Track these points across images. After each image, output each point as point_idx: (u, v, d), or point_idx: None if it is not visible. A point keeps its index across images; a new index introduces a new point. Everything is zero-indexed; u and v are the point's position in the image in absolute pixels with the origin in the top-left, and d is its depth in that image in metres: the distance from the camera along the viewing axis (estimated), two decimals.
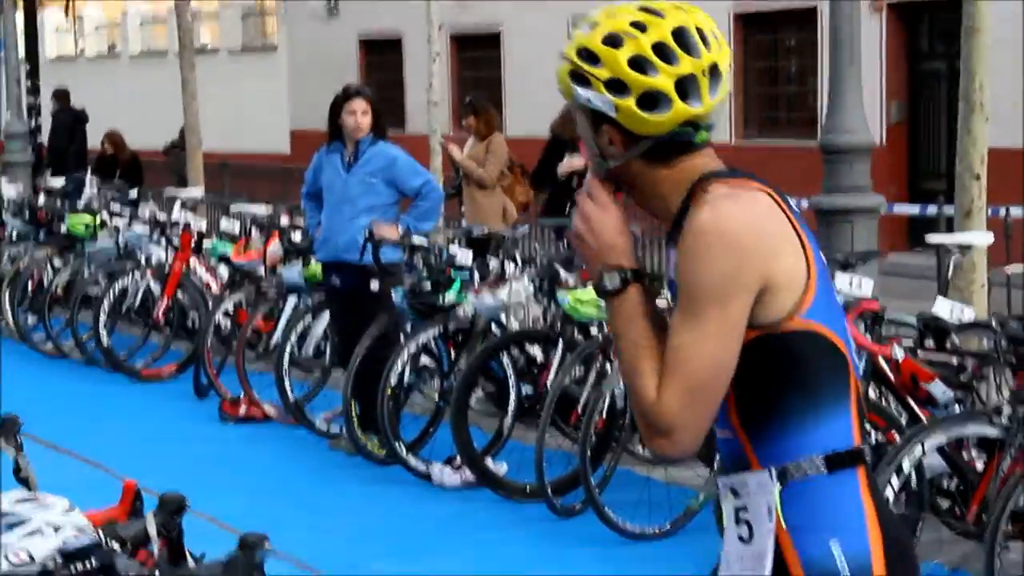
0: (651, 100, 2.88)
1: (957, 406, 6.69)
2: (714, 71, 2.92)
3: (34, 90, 24.20)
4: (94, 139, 21.63)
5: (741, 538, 2.94)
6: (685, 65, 2.88)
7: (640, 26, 2.88)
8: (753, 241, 2.82)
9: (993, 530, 5.87)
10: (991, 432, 6.25)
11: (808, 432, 2.89)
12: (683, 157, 2.95)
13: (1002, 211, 11.54)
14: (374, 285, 9.16)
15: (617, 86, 2.88)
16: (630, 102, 2.88)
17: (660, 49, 2.88)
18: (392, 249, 9.15)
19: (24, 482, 4.11)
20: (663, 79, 2.87)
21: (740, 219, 2.83)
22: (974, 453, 6.59)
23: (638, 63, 2.87)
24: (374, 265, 9.05)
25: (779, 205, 2.90)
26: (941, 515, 6.79)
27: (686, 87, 2.89)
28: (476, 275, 9.10)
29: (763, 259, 2.82)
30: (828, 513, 2.90)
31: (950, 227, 8.78)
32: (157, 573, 3.19)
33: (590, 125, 2.97)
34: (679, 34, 2.88)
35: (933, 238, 8.33)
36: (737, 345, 2.83)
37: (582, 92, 2.92)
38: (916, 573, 3.02)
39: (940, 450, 6.33)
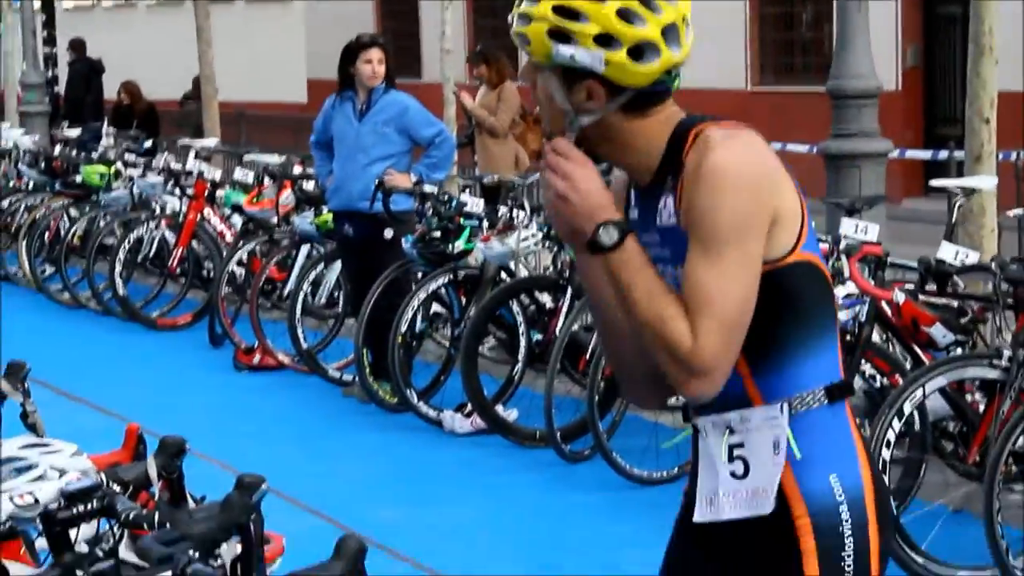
0: (640, 51, 2.90)
1: (959, 349, 6.71)
2: (686, 18, 2.96)
3: (50, 40, 24.28)
4: (110, 89, 21.67)
5: (734, 475, 2.97)
6: (668, 13, 2.91)
7: None
8: (765, 179, 2.88)
9: (992, 471, 5.91)
10: (992, 374, 6.28)
11: (808, 365, 2.94)
12: (659, 106, 2.98)
13: (1014, 155, 11.54)
14: (387, 234, 9.22)
15: (606, 40, 2.89)
16: (621, 55, 2.89)
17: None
18: (404, 198, 9.20)
19: (32, 428, 4.19)
20: (652, 29, 2.89)
21: (752, 159, 2.88)
22: (977, 395, 6.65)
23: (626, 15, 2.89)
24: (385, 214, 9.10)
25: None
26: (944, 457, 6.84)
27: (668, 35, 2.92)
28: (486, 223, 9.15)
29: (772, 195, 2.88)
30: (827, 446, 2.96)
31: (962, 172, 8.78)
32: (156, 514, 3.25)
33: (562, 84, 2.96)
34: None
35: (938, 182, 8.36)
36: (757, 281, 2.87)
37: (564, 50, 2.90)
38: (891, 508, 3.09)
39: (942, 392, 6.39)
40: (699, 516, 3.02)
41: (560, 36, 2.91)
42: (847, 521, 2.94)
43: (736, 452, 2.98)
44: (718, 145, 2.87)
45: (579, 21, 2.89)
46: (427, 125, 9.38)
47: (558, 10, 2.90)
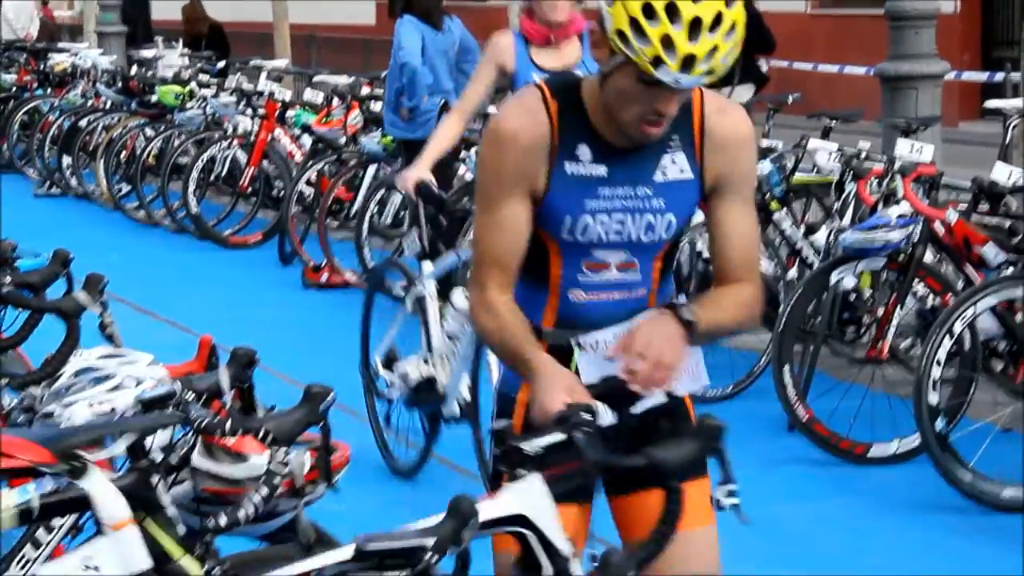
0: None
1: (1011, 268, 6.80)
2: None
3: None
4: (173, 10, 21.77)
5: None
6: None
7: None
8: None
9: None
10: None
11: None
12: None
13: None
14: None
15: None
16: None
17: None
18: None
19: (109, 338, 4.38)
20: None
21: None
22: None
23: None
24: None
25: None
26: (994, 376, 6.95)
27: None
28: None
29: None
30: None
31: (1018, 94, 8.82)
32: (229, 421, 3.40)
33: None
34: None
35: (993, 103, 8.42)
36: None
37: None
38: None
39: (993, 311, 6.50)
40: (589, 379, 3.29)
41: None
42: None
43: None
44: (739, 111, 3.24)
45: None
46: None
47: None
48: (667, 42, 2.92)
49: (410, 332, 6.71)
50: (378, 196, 10.31)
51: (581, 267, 3.26)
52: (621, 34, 2.95)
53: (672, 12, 2.91)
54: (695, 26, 2.92)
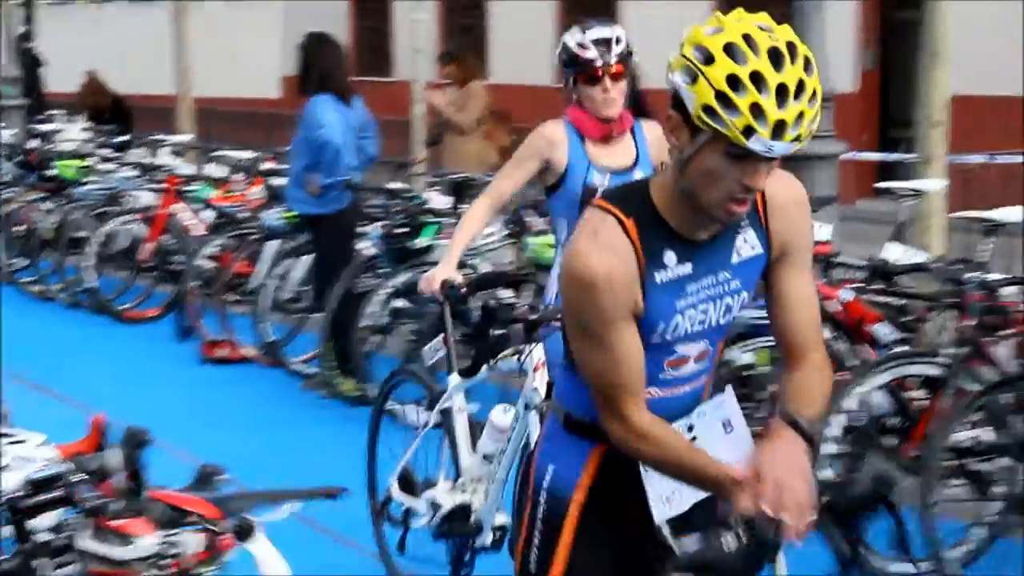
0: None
1: (903, 346, 6.91)
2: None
3: (29, 35, 24.28)
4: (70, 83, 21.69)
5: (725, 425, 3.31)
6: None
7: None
8: None
9: (929, 466, 6.11)
10: (933, 371, 6.48)
11: None
12: None
13: (965, 158, 11.69)
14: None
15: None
16: None
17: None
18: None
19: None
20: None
21: None
22: (919, 392, 6.83)
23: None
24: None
25: None
26: (885, 452, 7.02)
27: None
28: (451, 220, 9.32)
29: None
30: None
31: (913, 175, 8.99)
32: (119, 503, 3.36)
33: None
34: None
35: (884, 185, 8.56)
36: None
37: None
38: None
39: (886, 388, 6.59)
40: (661, 517, 3.28)
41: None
42: None
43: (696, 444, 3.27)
44: (790, 176, 3.24)
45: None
46: None
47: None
48: (757, 110, 2.90)
49: (429, 450, 6.00)
50: (279, 271, 10.29)
51: (663, 365, 3.24)
52: (708, 109, 2.93)
53: (758, 80, 2.91)
54: (781, 93, 2.91)
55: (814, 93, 2.95)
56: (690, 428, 3.27)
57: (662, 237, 3.13)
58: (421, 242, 9.20)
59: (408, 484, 5.91)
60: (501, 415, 5.58)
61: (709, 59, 2.93)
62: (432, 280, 5.79)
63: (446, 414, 5.82)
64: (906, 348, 6.84)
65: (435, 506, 5.72)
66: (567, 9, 22.67)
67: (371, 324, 9.09)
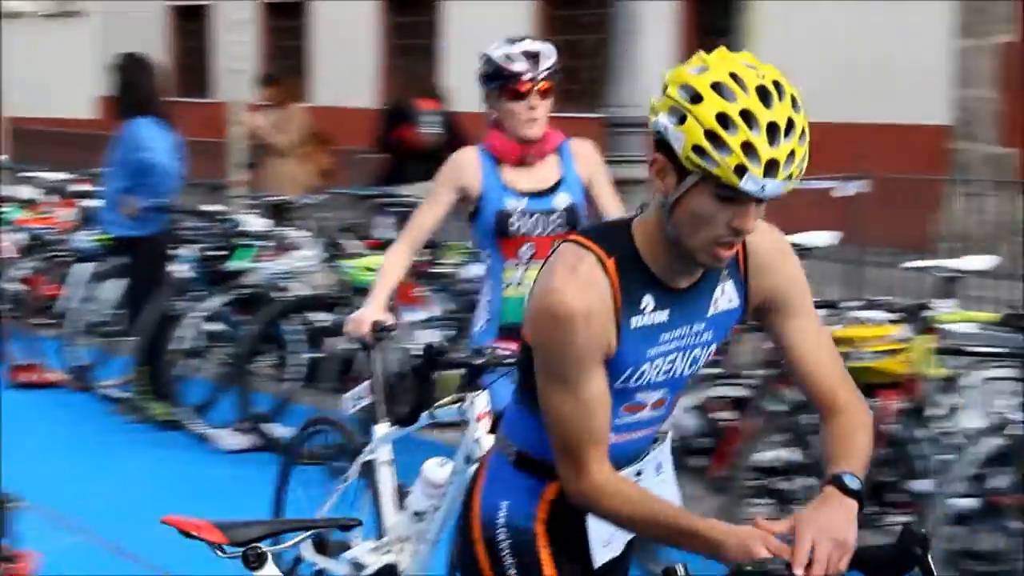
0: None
1: (711, 368, 7.01)
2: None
3: None
4: None
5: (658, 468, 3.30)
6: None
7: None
8: None
9: (735, 485, 6.21)
10: (740, 392, 6.61)
11: None
12: None
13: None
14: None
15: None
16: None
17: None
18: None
19: None
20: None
21: None
22: (727, 413, 6.95)
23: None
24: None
25: None
26: (693, 471, 7.12)
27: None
28: (268, 242, 9.25)
29: None
30: None
31: None
32: None
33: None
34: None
35: None
36: None
37: None
38: None
39: (695, 409, 6.70)
40: (601, 559, 3.23)
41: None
42: None
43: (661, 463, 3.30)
44: (772, 228, 3.13)
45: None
46: None
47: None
48: (748, 148, 2.80)
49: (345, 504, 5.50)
50: (89, 293, 10.11)
51: (619, 411, 3.12)
52: (698, 149, 2.81)
53: (748, 118, 2.80)
54: (772, 131, 2.81)
55: (803, 132, 2.86)
56: (638, 474, 3.21)
57: (642, 281, 3.02)
58: (236, 265, 9.11)
59: (321, 544, 5.46)
60: (436, 469, 5.13)
61: (697, 98, 2.83)
62: (361, 322, 5.41)
63: (368, 467, 5.40)
64: (714, 370, 6.95)
65: (358, 566, 5.29)
66: (388, 9, 22.71)
67: (184, 347, 8.97)
